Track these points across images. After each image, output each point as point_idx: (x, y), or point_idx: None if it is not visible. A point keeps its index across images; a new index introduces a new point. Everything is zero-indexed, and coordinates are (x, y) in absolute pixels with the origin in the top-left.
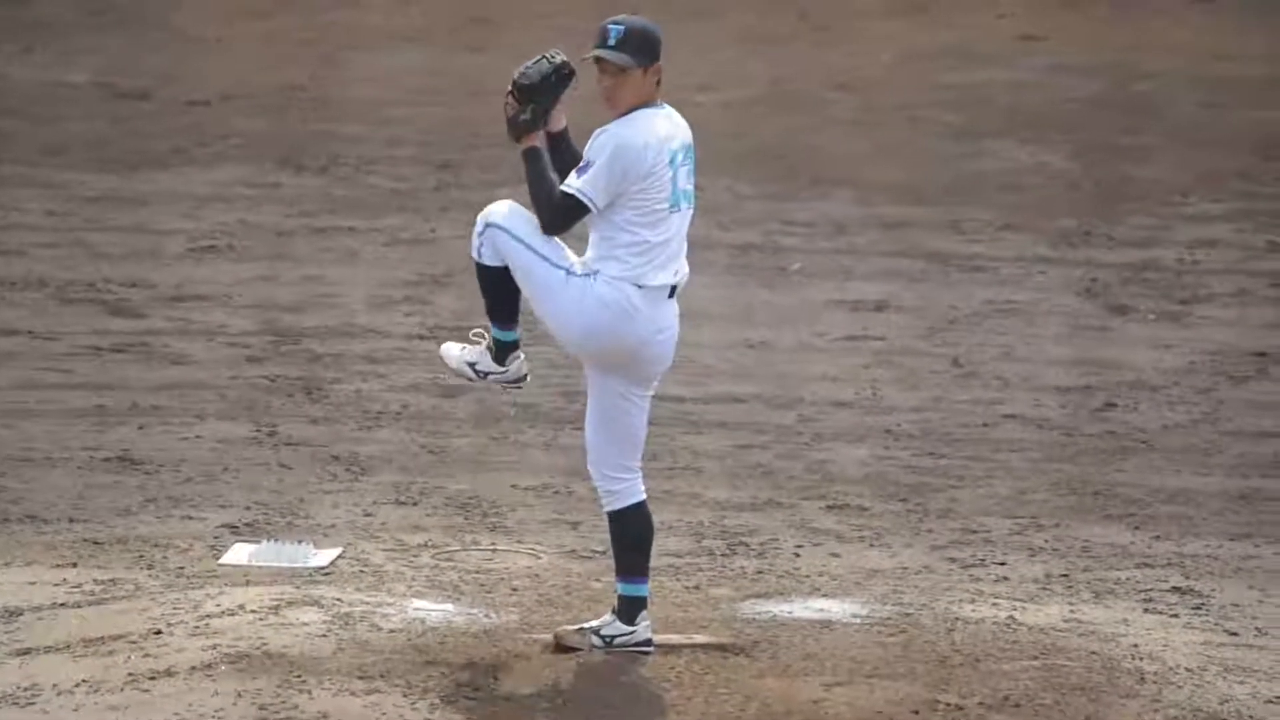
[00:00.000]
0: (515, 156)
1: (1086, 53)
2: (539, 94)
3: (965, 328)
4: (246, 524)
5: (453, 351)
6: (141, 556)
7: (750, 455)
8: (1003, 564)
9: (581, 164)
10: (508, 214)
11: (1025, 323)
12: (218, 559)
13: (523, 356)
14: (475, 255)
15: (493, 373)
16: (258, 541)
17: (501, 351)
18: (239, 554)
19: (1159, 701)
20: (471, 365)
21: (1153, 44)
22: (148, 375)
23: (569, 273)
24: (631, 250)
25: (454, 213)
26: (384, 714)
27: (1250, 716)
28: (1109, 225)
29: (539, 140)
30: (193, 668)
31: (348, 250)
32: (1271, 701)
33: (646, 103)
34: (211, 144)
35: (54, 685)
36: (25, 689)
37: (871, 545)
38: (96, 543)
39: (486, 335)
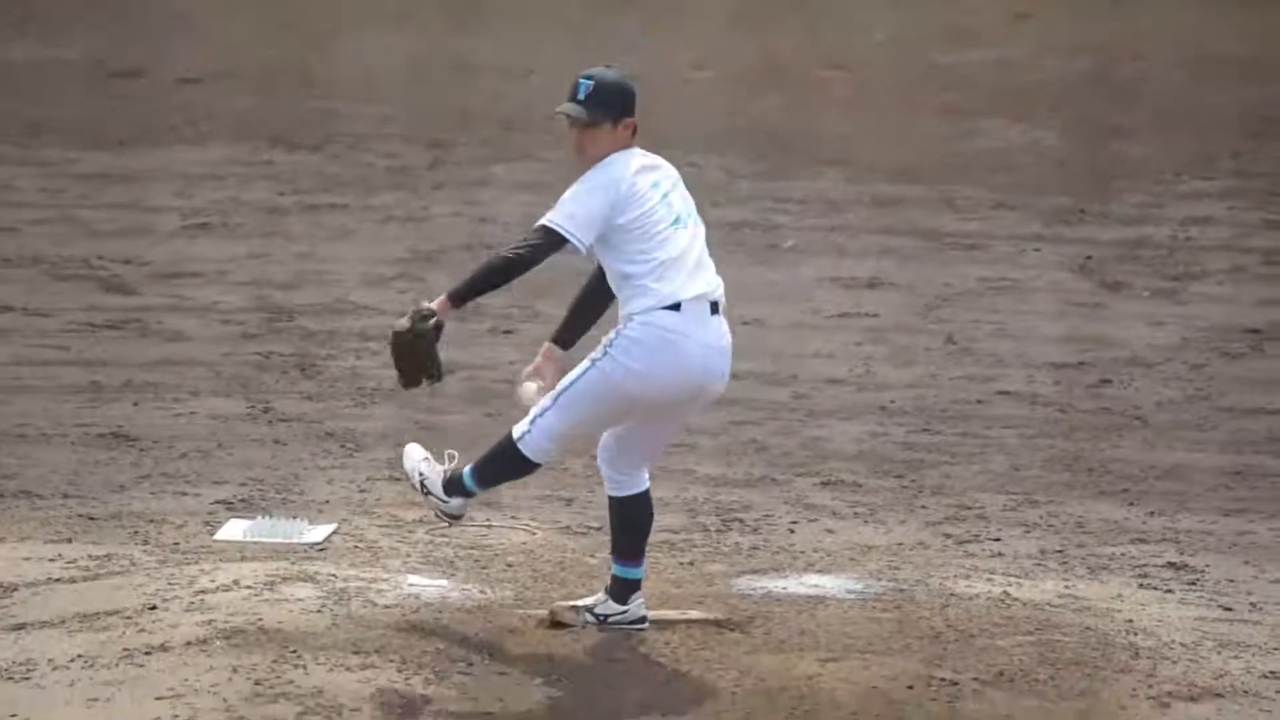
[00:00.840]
0: (507, 139)
1: (1077, 32)
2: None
3: (959, 305)
4: (241, 500)
5: (415, 455)
6: (136, 532)
7: (744, 432)
8: (997, 540)
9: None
10: (531, 414)
11: (1019, 300)
12: (213, 535)
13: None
14: (536, 458)
15: (435, 496)
16: (253, 517)
17: (453, 488)
18: (234, 530)
19: (1153, 676)
20: (421, 478)
21: (1142, 24)
22: (142, 352)
23: (593, 362)
24: (652, 276)
25: (447, 190)
26: (379, 689)
27: (1245, 691)
28: (1102, 203)
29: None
30: (188, 643)
31: (341, 227)
32: (1266, 676)
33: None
34: (203, 122)
35: (49, 660)
36: (20, 664)
37: (866, 521)
38: (91, 518)
39: (451, 464)
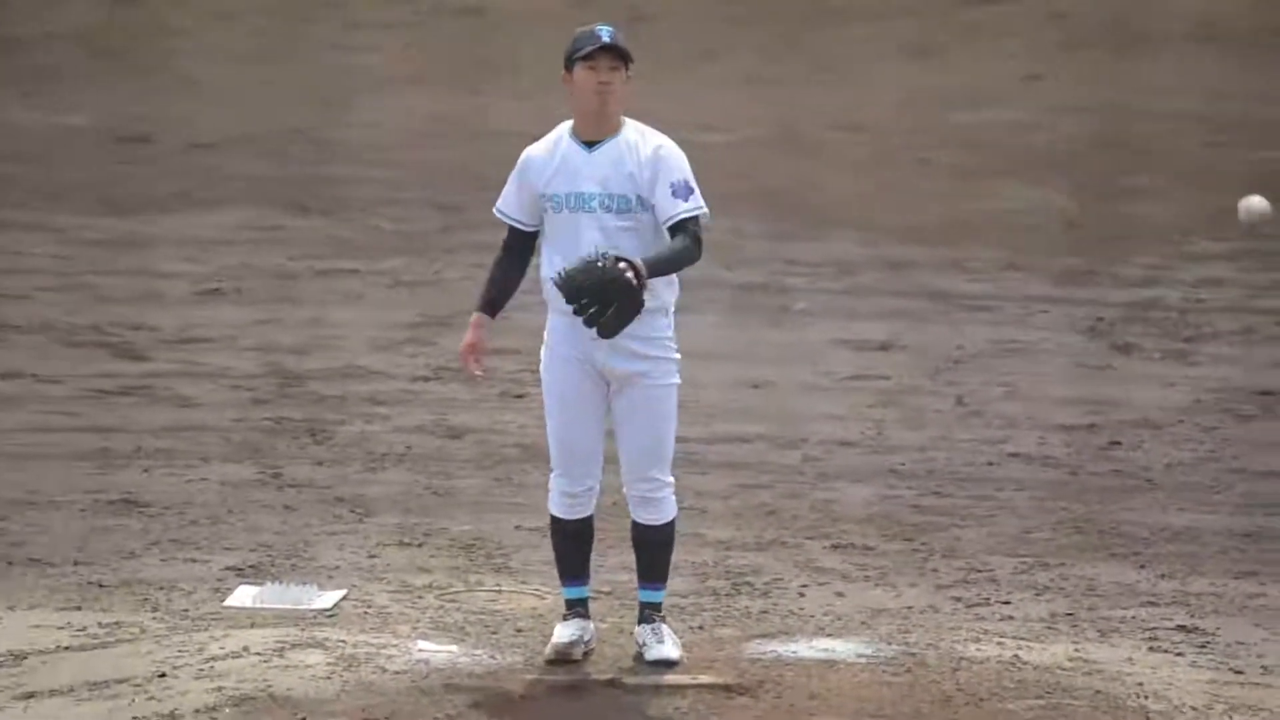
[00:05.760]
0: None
1: (1088, 92)
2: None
3: (969, 367)
4: (251, 566)
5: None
6: (146, 599)
7: (755, 495)
8: (1008, 603)
9: (683, 186)
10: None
11: (1029, 362)
12: (222, 601)
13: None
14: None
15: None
16: (262, 584)
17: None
18: (243, 596)
19: None
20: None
21: (1153, 84)
22: (152, 418)
23: (677, 383)
24: None
25: (459, 255)
26: None
27: None
28: (1112, 264)
29: (641, 273)
30: (197, 710)
31: (351, 292)
32: None
33: (619, 114)
34: (214, 187)
35: None
36: None
37: (876, 585)
38: (101, 585)
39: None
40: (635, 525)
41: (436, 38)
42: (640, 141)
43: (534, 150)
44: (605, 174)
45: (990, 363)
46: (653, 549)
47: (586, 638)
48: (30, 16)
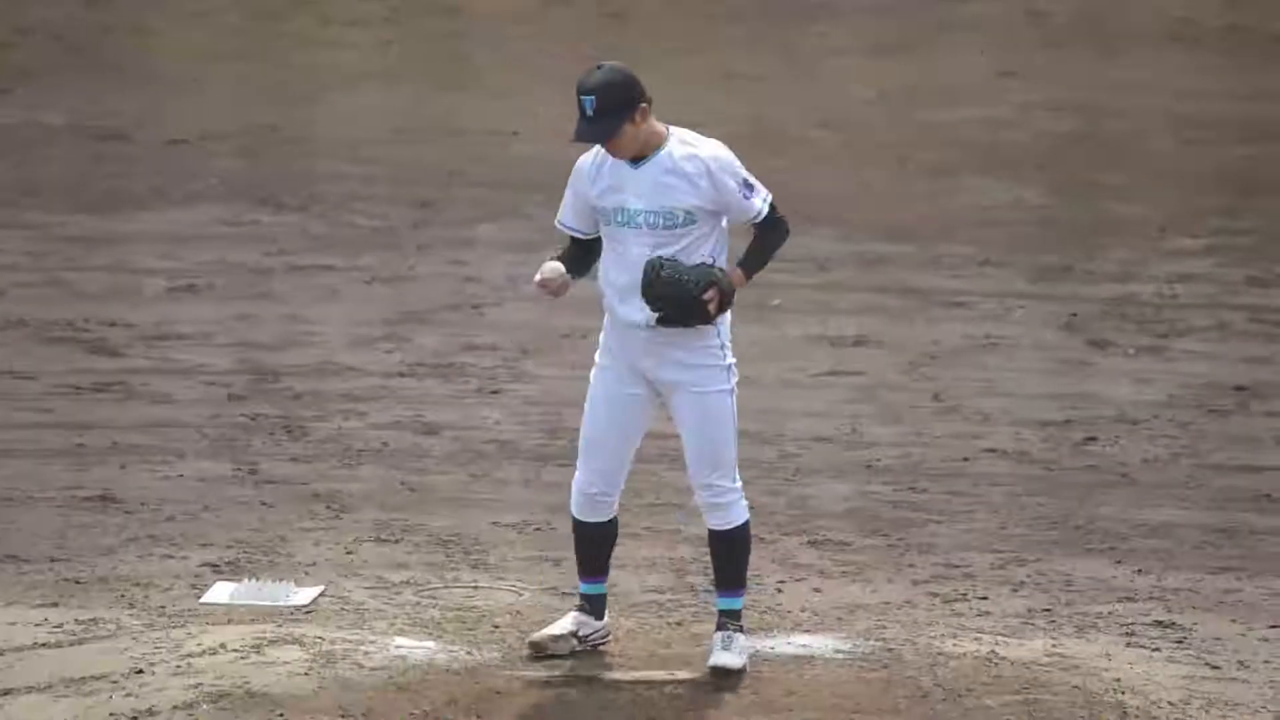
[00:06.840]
0: (493, 198)
1: (1064, 90)
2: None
3: (945, 363)
4: (228, 562)
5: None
6: (123, 596)
7: None
8: (984, 598)
9: (745, 186)
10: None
11: (1005, 357)
12: (199, 598)
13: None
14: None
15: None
16: (239, 580)
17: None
18: (220, 593)
19: None
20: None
21: (1128, 81)
22: (128, 414)
23: (730, 389)
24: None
25: (434, 250)
26: None
27: None
28: (1088, 260)
29: (736, 276)
30: (174, 707)
31: (327, 288)
32: None
33: (654, 132)
34: (189, 183)
35: None
36: None
37: (853, 580)
38: (78, 582)
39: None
40: (708, 531)
41: (411, 35)
42: (686, 156)
43: (583, 160)
44: (651, 190)
45: (966, 359)
46: (721, 554)
47: (582, 633)
48: (4, 14)
